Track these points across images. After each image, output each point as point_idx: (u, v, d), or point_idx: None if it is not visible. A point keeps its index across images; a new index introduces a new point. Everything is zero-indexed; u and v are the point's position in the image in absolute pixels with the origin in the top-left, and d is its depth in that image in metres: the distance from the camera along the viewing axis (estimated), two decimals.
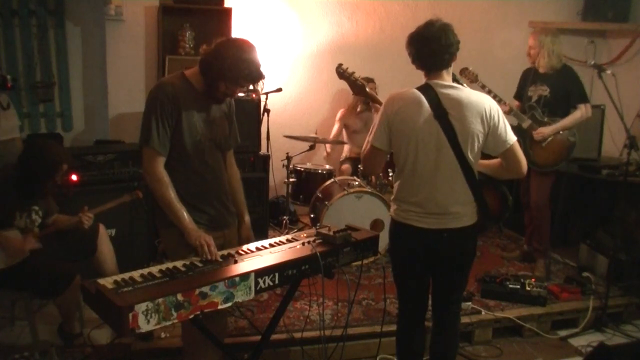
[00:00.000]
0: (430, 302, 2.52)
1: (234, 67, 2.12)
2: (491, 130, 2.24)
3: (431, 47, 2.21)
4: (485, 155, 2.36)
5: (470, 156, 2.23)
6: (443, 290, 2.47)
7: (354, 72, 2.58)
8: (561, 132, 3.76)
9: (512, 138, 2.27)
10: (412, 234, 2.32)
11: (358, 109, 4.85)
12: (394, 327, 2.67)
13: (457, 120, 2.20)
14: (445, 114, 2.19)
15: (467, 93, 2.25)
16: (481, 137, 2.23)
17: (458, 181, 2.25)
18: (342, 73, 2.59)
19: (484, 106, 2.22)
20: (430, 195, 2.26)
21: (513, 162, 2.30)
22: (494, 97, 3.85)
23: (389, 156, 3.80)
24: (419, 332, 2.53)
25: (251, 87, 2.27)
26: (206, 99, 2.25)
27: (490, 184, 2.40)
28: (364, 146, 2.40)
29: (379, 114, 2.33)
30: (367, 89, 2.58)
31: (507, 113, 3.84)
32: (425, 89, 2.24)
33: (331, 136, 4.85)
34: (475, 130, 2.21)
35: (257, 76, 2.20)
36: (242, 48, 2.15)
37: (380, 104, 2.53)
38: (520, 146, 3.88)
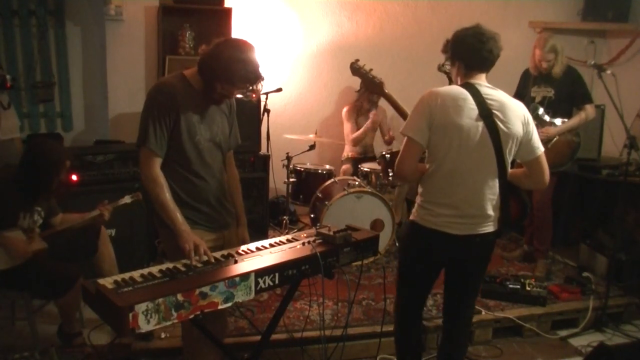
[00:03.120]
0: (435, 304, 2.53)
1: (229, 67, 2.10)
2: (526, 136, 2.25)
3: (483, 49, 2.20)
4: None
5: (508, 158, 2.24)
6: (458, 294, 2.46)
7: (371, 69, 2.50)
8: (565, 132, 3.77)
9: (541, 147, 2.30)
10: (438, 240, 2.28)
11: (363, 107, 4.81)
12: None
13: (502, 121, 2.19)
14: (490, 114, 2.18)
15: (506, 96, 2.27)
16: (518, 141, 2.24)
17: (494, 183, 2.25)
18: (357, 69, 2.50)
19: (522, 111, 2.26)
20: (468, 195, 2.23)
21: (539, 171, 2.31)
22: None
23: (388, 156, 3.83)
24: (417, 330, 2.53)
25: (251, 88, 2.25)
26: (205, 99, 2.24)
27: (512, 190, 2.39)
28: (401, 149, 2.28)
29: (418, 106, 2.22)
30: (385, 88, 2.51)
31: None
32: (470, 87, 2.23)
33: (349, 135, 4.82)
34: (517, 133, 2.22)
35: (254, 77, 2.17)
36: (239, 48, 2.13)
37: (395, 104, 2.50)
38: None
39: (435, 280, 2.45)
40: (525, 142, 2.26)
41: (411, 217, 2.39)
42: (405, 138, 2.24)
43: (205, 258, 2.06)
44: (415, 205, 2.38)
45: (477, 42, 2.21)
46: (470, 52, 2.24)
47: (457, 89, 2.23)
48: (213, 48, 2.14)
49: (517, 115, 2.22)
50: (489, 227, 2.29)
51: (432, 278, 2.44)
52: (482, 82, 2.26)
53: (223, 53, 2.10)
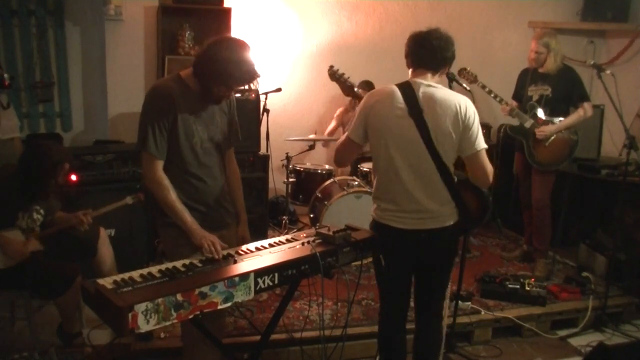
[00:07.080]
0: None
1: (223, 70, 2.08)
2: (463, 129, 2.23)
3: (425, 45, 2.26)
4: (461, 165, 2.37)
5: (443, 154, 2.24)
6: (424, 290, 2.47)
7: (343, 74, 2.63)
8: (563, 130, 3.78)
9: (481, 144, 2.27)
10: (391, 235, 2.33)
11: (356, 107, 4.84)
12: None
13: (431, 118, 2.21)
14: (420, 112, 2.21)
15: (444, 92, 2.27)
16: (455, 136, 2.24)
17: (433, 179, 2.26)
18: (332, 74, 2.64)
19: (458, 105, 2.23)
20: (405, 192, 2.27)
21: (478, 168, 2.29)
22: (495, 97, 3.86)
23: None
24: (400, 334, 2.52)
25: (248, 86, 2.26)
26: (203, 99, 2.22)
27: (472, 186, 2.39)
28: (341, 137, 2.46)
29: (358, 108, 2.38)
30: (356, 89, 2.63)
31: (509, 113, 3.85)
32: (404, 86, 2.28)
33: (326, 132, 4.85)
34: (449, 129, 2.22)
35: (249, 78, 2.16)
36: (232, 49, 2.10)
37: None
38: (524, 147, 3.86)
39: (407, 277, 2.46)
40: (464, 137, 2.25)
41: (371, 212, 2.48)
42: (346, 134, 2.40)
43: (217, 256, 2.07)
44: None
45: (420, 40, 2.29)
46: (412, 50, 2.32)
47: (389, 89, 2.29)
48: (206, 50, 2.12)
49: (450, 110, 2.21)
50: (438, 222, 2.29)
51: (401, 275, 2.44)
52: (423, 80, 2.28)
53: (216, 55, 2.08)
